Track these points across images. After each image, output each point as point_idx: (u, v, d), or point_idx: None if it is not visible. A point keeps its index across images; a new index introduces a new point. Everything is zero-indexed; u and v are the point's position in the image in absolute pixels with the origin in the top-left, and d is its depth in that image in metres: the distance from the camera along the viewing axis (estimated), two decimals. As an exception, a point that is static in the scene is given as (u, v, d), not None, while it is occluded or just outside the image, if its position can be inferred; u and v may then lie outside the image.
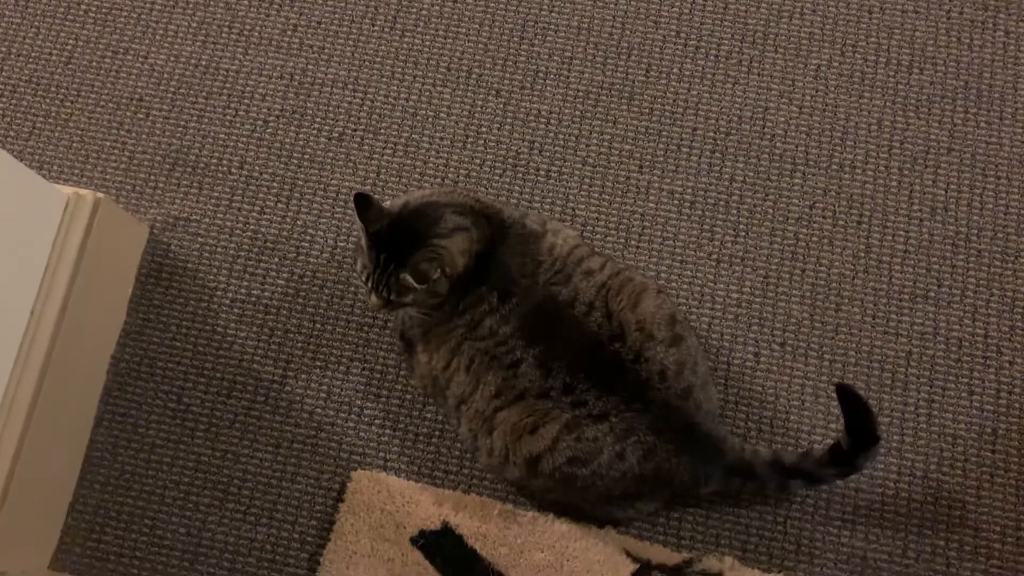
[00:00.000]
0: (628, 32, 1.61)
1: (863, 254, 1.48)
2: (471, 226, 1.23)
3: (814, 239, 1.49)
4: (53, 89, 1.61)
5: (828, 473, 1.25)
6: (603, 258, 1.30)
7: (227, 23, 1.64)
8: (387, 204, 1.28)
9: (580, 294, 1.22)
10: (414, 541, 1.34)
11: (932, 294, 1.45)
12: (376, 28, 1.63)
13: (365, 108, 1.58)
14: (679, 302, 1.46)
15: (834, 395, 1.40)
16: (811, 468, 1.24)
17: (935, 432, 1.39)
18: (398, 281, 1.20)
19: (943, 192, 1.51)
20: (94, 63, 1.62)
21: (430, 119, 1.57)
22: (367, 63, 1.61)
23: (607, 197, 1.52)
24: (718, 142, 1.54)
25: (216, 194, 1.55)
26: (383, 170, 1.55)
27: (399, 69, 1.60)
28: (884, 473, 1.37)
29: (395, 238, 1.22)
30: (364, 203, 1.22)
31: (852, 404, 1.20)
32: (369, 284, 1.23)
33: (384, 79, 1.60)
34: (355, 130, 1.57)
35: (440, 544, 1.34)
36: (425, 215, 1.24)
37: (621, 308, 1.21)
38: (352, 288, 1.48)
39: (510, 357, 1.21)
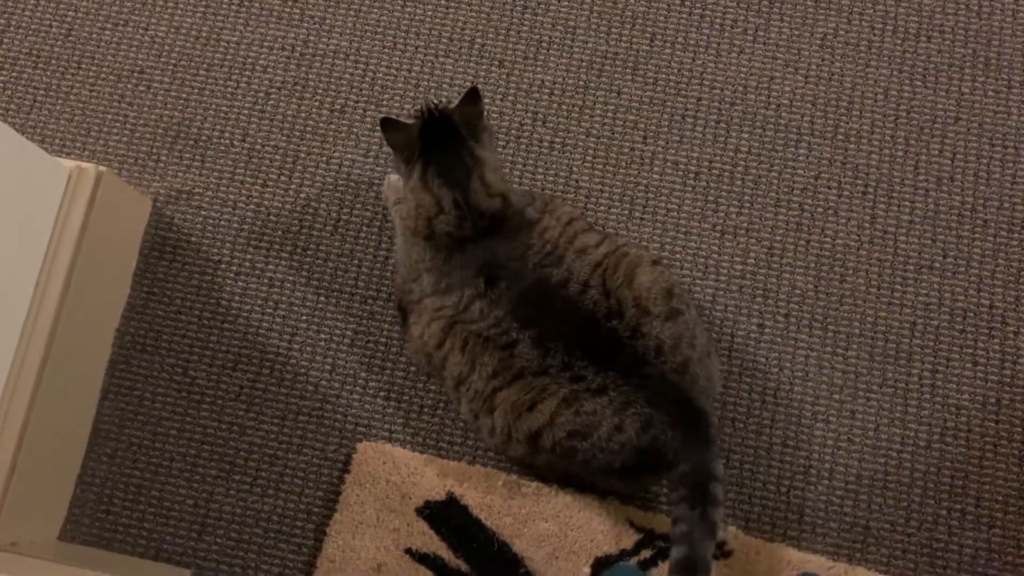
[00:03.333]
0: (632, 0, 1.59)
1: (868, 225, 1.47)
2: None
3: (819, 210, 1.48)
4: (54, 62, 1.60)
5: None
6: (600, 234, 1.29)
7: (227, -6, 1.62)
8: None
9: (574, 274, 1.22)
10: (420, 512, 1.35)
11: (937, 265, 1.45)
12: (378, -2, 1.61)
13: (367, 79, 1.57)
14: (683, 274, 1.46)
15: (837, 365, 1.40)
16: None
17: (939, 402, 1.39)
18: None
19: (949, 162, 1.49)
20: (94, 35, 1.61)
21: (432, 91, 1.56)
22: (369, 34, 1.60)
23: (611, 168, 1.52)
24: (723, 112, 1.53)
25: (219, 167, 1.54)
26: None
27: (401, 40, 1.59)
28: (887, 443, 1.37)
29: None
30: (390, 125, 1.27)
31: None
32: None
33: (386, 50, 1.59)
34: (357, 102, 1.56)
35: (445, 514, 1.35)
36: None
37: (619, 285, 1.21)
38: (355, 260, 1.48)
39: (505, 338, 1.21)
